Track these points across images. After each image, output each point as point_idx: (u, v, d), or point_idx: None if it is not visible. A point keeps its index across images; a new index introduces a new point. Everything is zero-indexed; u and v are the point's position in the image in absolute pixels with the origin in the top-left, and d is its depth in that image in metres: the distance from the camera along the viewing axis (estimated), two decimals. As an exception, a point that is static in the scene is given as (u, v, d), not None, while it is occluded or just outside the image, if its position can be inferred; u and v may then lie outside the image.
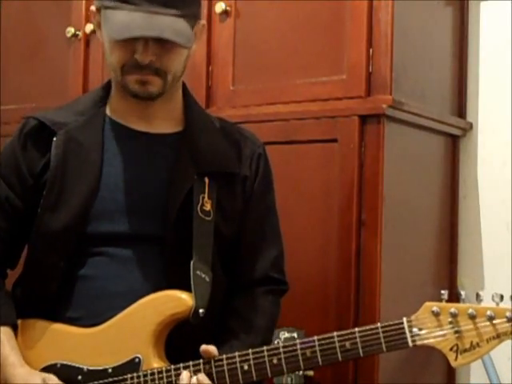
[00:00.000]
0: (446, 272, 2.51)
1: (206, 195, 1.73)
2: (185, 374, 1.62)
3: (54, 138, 1.74)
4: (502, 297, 1.48)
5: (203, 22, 1.80)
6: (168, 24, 1.64)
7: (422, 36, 2.40)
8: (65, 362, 1.69)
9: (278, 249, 1.86)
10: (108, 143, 1.76)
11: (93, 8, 1.76)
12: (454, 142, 2.59)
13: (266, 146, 2.27)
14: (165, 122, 1.79)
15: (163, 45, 1.66)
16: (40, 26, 2.85)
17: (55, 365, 1.69)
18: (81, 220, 1.71)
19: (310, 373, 2.15)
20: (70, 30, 2.72)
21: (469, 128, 2.60)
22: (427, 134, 2.42)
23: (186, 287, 1.66)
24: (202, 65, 2.46)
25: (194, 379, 1.61)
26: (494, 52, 2.59)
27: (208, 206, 1.72)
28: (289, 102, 2.30)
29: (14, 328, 1.73)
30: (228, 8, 2.42)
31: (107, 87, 1.84)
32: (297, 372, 2.14)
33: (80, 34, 2.70)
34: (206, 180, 1.74)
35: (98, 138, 1.76)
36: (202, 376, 1.61)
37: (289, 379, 2.15)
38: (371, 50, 2.20)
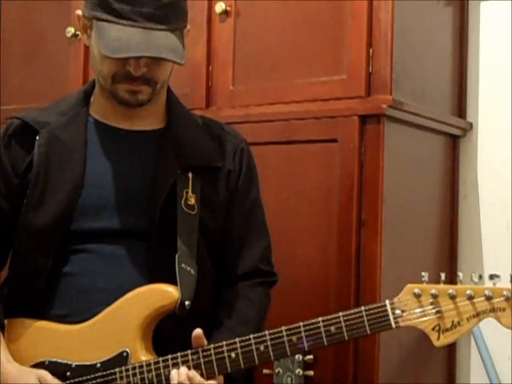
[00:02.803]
0: (446, 272, 2.50)
1: (190, 190, 1.75)
2: (174, 373, 1.63)
3: (37, 137, 1.75)
4: (480, 276, 1.53)
5: (188, 27, 1.81)
6: (163, 42, 1.67)
7: (422, 36, 2.40)
8: (53, 359, 1.70)
9: (266, 241, 1.88)
10: (91, 142, 1.78)
11: (78, 12, 1.78)
12: (454, 141, 2.59)
13: (266, 146, 2.28)
14: (147, 119, 1.81)
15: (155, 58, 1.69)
16: (40, 26, 2.85)
17: (43, 362, 1.70)
18: (65, 217, 1.72)
19: (310, 373, 2.16)
20: (70, 30, 2.72)
21: (469, 128, 2.60)
22: (427, 134, 2.42)
23: (171, 281, 1.68)
24: (202, 65, 2.46)
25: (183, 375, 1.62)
26: (494, 52, 2.59)
27: (192, 201, 1.74)
28: (289, 102, 2.30)
29: (1, 328, 1.74)
30: (228, 8, 2.42)
31: (90, 87, 1.85)
32: (296, 372, 2.15)
33: (80, 34, 2.70)
34: (190, 175, 1.76)
35: (81, 137, 1.77)
36: (182, 370, 1.63)
37: (289, 379, 2.16)
38: (371, 50, 2.20)
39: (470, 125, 2.60)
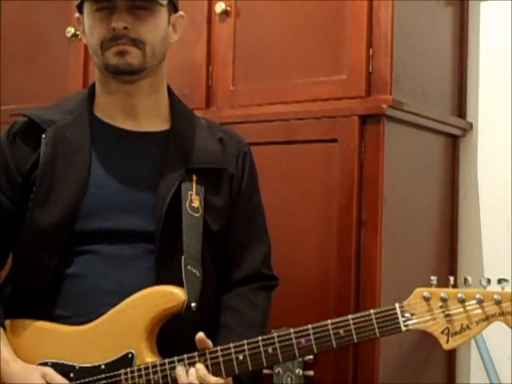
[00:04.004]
0: (447, 272, 2.51)
1: (194, 192, 1.75)
2: (180, 371, 1.63)
3: (43, 135, 1.75)
4: (489, 280, 1.53)
5: (181, 13, 1.84)
6: None
7: (422, 36, 2.40)
8: (55, 361, 1.69)
9: (267, 245, 1.89)
10: (96, 142, 1.78)
11: (77, 14, 1.83)
12: (454, 142, 2.59)
13: (266, 146, 2.28)
14: (151, 119, 1.81)
15: (137, 14, 1.72)
16: (40, 26, 2.85)
17: (46, 363, 1.70)
18: (70, 217, 1.72)
19: (310, 373, 2.16)
20: (70, 30, 2.71)
21: (469, 128, 2.60)
22: (427, 134, 2.42)
23: (175, 283, 1.68)
24: (202, 65, 2.46)
25: (192, 372, 1.62)
26: (494, 52, 2.59)
27: (196, 203, 1.75)
28: (289, 102, 2.30)
29: (2, 327, 1.73)
30: (228, 8, 2.42)
31: (93, 88, 1.86)
32: (296, 372, 2.15)
33: (80, 34, 2.70)
34: (194, 177, 1.76)
35: (87, 137, 1.77)
36: (199, 366, 1.63)
37: (289, 379, 2.16)
38: (371, 50, 2.20)
39: (470, 125, 2.60)
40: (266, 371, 2.17)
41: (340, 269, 2.16)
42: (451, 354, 2.54)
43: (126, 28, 1.71)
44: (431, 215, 2.48)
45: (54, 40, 2.80)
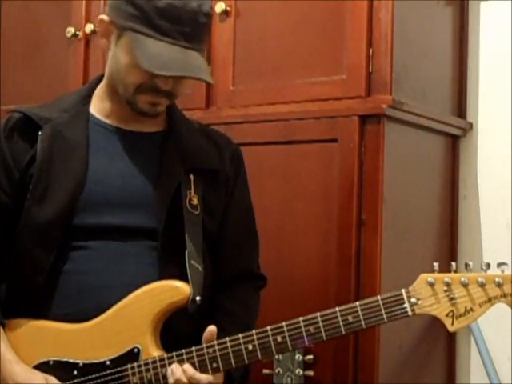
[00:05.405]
0: (446, 272, 2.51)
1: (192, 191, 1.77)
2: (175, 368, 1.63)
3: (40, 132, 1.75)
4: (488, 265, 1.61)
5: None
6: (197, 62, 1.69)
7: (422, 36, 2.40)
8: (58, 359, 1.69)
9: (257, 245, 1.92)
10: (93, 140, 1.78)
11: (104, 18, 1.74)
12: (454, 141, 2.59)
13: (266, 146, 2.29)
14: (147, 122, 1.82)
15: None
16: (40, 26, 2.86)
17: (47, 362, 1.69)
18: (67, 213, 1.72)
19: (310, 373, 2.16)
20: (70, 30, 2.72)
21: (469, 128, 2.60)
22: (427, 134, 2.42)
23: (178, 279, 1.69)
24: (202, 65, 2.46)
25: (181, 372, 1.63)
26: (494, 52, 2.59)
27: (195, 201, 1.77)
28: (289, 102, 2.31)
29: (3, 327, 1.73)
30: (228, 8, 2.42)
31: (91, 87, 1.85)
32: (297, 371, 2.15)
33: (80, 34, 2.70)
34: (192, 177, 1.78)
35: (83, 135, 1.78)
36: (186, 367, 1.63)
37: (289, 379, 2.16)
38: (371, 50, 2.20)
39: (470, 125, 2.60)
40: (265, 371, 2.17)
41: (340, 269, 2.16)
42: (451, 354, 2.54)
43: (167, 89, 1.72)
44: (431, 215, 2.48)
45: (54, 40, 2.81)
